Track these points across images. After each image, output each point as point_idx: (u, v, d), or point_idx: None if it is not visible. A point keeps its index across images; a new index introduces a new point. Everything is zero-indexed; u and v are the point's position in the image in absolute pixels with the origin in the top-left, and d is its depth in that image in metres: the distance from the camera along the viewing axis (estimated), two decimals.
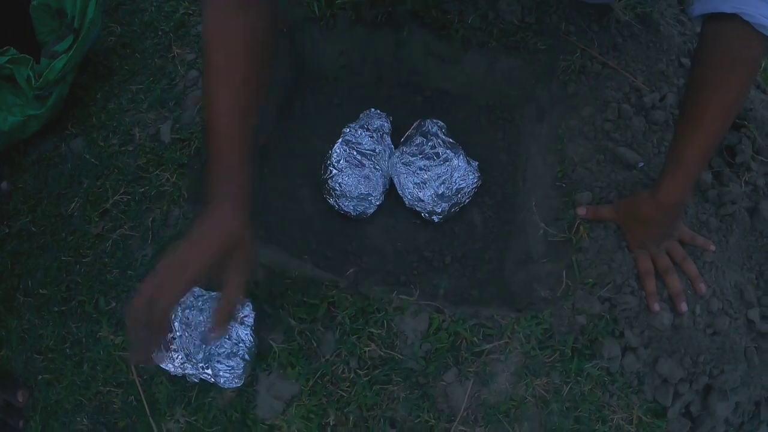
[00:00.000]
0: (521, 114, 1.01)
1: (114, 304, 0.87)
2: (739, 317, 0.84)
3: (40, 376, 0.88)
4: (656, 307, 0.81)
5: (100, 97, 0.98)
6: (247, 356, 0.76)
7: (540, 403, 0.80)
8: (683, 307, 0.81)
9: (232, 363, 0.75)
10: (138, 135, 0.93)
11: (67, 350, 0.87)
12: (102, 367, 0.85)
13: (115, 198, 0.90)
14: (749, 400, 0.83)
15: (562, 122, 0.93)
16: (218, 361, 0.75)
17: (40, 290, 0.91)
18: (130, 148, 0.93)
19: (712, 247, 0.85)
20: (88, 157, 0.94)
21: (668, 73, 0.94)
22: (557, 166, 0.91)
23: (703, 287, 0.82)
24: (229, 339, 0.76)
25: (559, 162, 0.91)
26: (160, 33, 1.00)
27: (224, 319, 0.60)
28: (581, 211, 0.87)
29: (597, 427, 0.80)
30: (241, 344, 0.76)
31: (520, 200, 0.96)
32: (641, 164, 0.89)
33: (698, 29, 0.73)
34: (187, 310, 0.78)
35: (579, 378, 0.80)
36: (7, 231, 0.95)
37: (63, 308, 0.89)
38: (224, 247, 0.59)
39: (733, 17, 0.66)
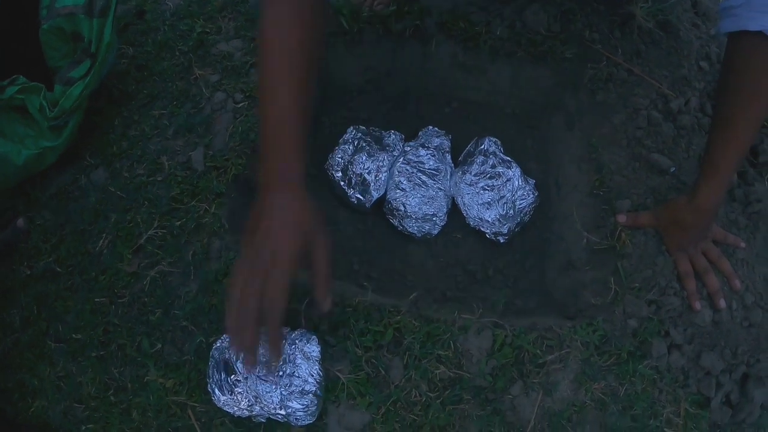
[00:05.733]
0: (549, 122, 1.03)
1: (159, 345, 0.83)
2: None
3: (83, 427, 0.83)
4: (698, 305, 0.86)
5: (118, 124, 0.91)
6: (319, 392, 0.75)
7: (599, 406, 0.83)
8: (722, 303, 0.86)
9: (305, 401, 0.73)
10: (167, 164, 0.88)
11: (112, 397, 0.83)
12: (153, 414, 0.81)
13: (149, 233, 0.86)
14: None
15: (594, 131, 0.95)
16: (291, 401, 0.73)
17: (74, 335, 0.85)
18: (159, 178, 0.88)
19: (743, 244, 0.90)
20: (112, 189, 0.88)
21: (690, 77, 0.98)
22: (594, 175, 0.93)
23: (737, 283, 0.88)
24: (298, 377, 0.74)
25: (595, 170, 0.93)
26: (177, 53, 0.94)
27: (324, 291, 0.66)
28: (621, 218, 0.89)
29: (650, 423, 0.84)
30: (311, 380, 0.75)
31: (555, 208, 0.98)
32: (673, 169, 0.92)
33: (725, 42, 0.76)
34: None
35: (633, 378, 0.84)
36: (29, 272, 0.88)
37: (102, 353, 0.84)
38: (304, 244, 0.64)
39: (759, 34, 0.69)
